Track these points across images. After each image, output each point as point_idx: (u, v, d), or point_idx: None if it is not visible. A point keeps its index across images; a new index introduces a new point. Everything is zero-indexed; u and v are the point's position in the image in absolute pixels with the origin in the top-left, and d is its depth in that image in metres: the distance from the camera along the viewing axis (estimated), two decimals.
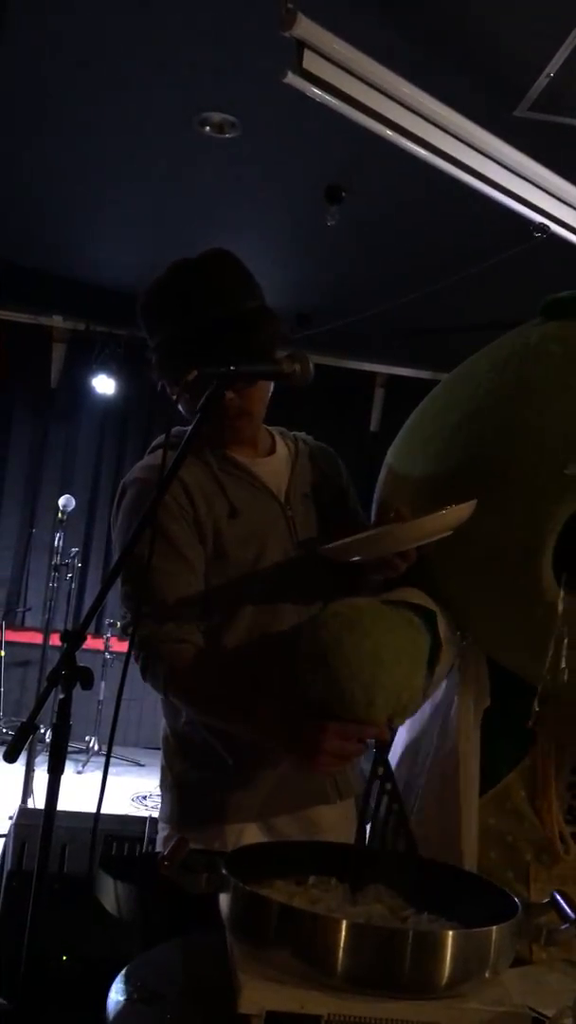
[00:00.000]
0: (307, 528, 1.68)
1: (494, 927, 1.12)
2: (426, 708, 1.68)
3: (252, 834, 1.58)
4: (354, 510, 1.81)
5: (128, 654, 1.56)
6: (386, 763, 1.43)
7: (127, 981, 1.18)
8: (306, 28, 2.62)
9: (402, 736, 1.77)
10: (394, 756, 1.74)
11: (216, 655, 1.58)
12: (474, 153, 3.21)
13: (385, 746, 1.43)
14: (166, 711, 1.70)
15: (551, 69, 3.16)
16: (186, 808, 1.64)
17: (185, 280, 1.65)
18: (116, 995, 1.15)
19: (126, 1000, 1.14)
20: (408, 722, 1.69)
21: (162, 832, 1.68)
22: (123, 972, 1.20)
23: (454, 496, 1.47)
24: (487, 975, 1.12)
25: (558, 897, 1.23)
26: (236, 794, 1.60)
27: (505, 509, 1.46)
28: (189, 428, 1.65)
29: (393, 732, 1.47)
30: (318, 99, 2.84)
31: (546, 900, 1.25)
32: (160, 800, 1.73)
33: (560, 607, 1.46)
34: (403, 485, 1.68)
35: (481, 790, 1.58)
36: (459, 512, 1.43)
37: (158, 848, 1.66)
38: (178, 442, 1.57)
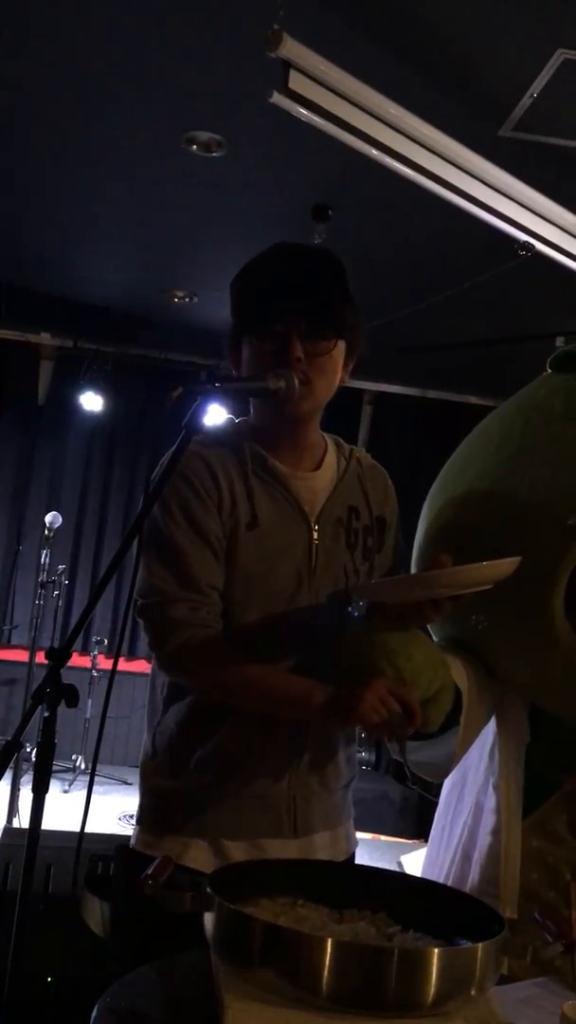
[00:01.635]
0: (329, 556, 1.61)
1: (480, 944, 1.12)
2: (473, 751, 1.79)
3: (197, 850, 1.55)
4: (394, 543, 1.73)
5: (113, 672, 1.55)
6: None
7: (110, 1002, 1.17)
8: (292, 48, 2.64)
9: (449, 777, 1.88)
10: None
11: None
12: (459, 172, 3.23)
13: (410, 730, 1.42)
14: (149, 711, 1.66)
15: (535, 89, 3.19)
16: (144, 812, 1.62)
17: (286, 253, 1.62)
18: (99, 1017, 1.14)
19: (109, 1021, 1.13)
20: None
21: (134, 833, 1.65)
22: (106, 993, 1.19)
23: (472, 550, 1.52)
24: (473, 993, 1.12)
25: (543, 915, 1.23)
26: (189, 808, 1.57)
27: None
28: (239, 418, 1.69)
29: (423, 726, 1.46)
30: (304, 119, 2.86)
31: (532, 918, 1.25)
32: None
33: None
34: (430, 536, 1.79)
35: (524, 814, 1.69)
36: (502, 567, 1.43)
37: (132, 843, 1.63)
38: (216, 430, 1.63)
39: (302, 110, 2.81)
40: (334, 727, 1.52)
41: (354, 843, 1.74)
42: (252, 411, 1.66)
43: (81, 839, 1.37)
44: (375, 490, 1.71)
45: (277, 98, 2.76)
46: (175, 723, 1.59)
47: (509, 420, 1.81)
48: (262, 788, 1.57)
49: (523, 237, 3.54)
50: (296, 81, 2.72)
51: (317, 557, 1.59)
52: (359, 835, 1.79)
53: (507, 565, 1.43)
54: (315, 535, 1.60)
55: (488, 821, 1.73)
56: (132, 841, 1.63)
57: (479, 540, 1.62)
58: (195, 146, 3.86)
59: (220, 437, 1.62)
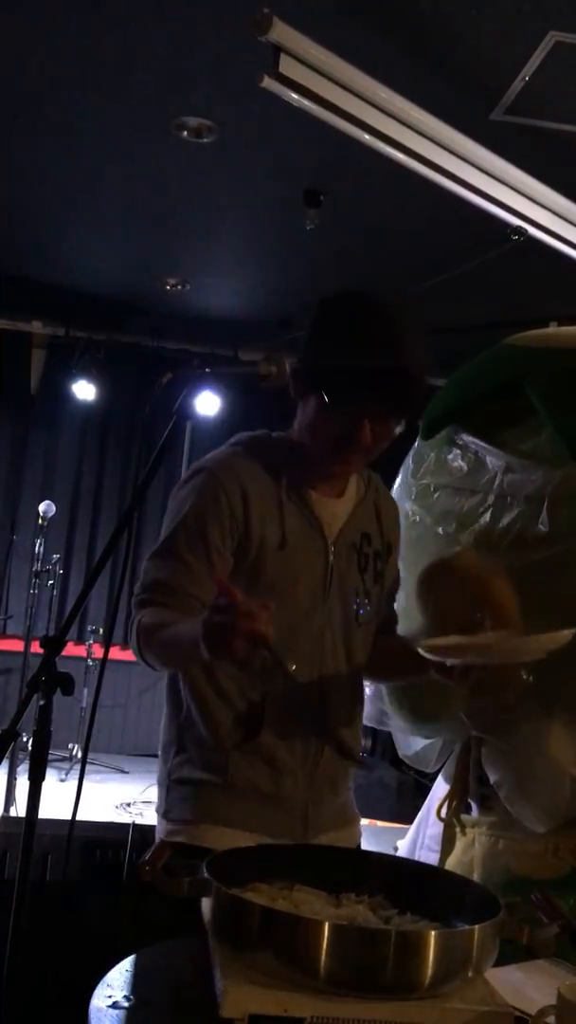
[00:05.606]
0: (342, 577, 1.68)
1: (476, 927, 1.13)
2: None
3: (235, 838, 1.57)
4: (391, 569, 1.82)
5: (104, 660, 1.58)
6: None
7: (109, 987, 1.18)
8: (282, 32, 2.62)
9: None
10: None
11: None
12: (451, 156, 3.22)
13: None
14: (169, 704, 1.72)
15: (526, 73, 3.18)
16: (174, 803, 1.66)
17: (374, 316, 1.63)
18: (98, 1002, 1.14)
19: (108, 1007, 1.13)
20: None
21: (159, 827, 1.69)
22: (105, 978, 1.19)
23: None
24: (470, 975, 1.13)
25: (539, 897, 1.24)
26: (224, 797, 1.62)
27: None
28: (267, 432, 1.74)
29: None
30: (295, 103, 2.84)
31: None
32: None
33: None
34: None
35: None
36: (559, 638, 1.49)
37: (166, 837, 1.67)
38: (257, 444, 1.68)
39: (293, 95, 2.79)
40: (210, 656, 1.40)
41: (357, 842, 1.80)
42: (301, 434, 1.65)
43: (72, 825, 1.37)
44: (387, 517, 1.80)
45: (268, 83, 2.74)
46: (203, 721, 1.63)
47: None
48: (281, 792, 1.63)
49: (515, 221, 3.53)
50: (287, 65, 2.70)
51: (332, 578, 1.67)
52: None
53: (563, 637, 1.49)
54: (331, 557, 1.67)
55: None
56: (165, 835, 1.65)
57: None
58: (186, 132, 3.84)
59: (260, 450, 1.66)
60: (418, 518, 2.07)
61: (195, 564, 1.56)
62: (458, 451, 2.10)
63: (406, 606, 1.93)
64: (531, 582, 1.78)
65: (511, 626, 1.59)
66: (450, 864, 1.90)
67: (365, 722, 1.97)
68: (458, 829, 1.95)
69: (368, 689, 1.86)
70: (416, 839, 2.08)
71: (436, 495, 2.07)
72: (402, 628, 1.89)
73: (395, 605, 1.91)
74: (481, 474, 2.02)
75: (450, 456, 2.12)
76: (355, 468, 1.69)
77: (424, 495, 2.11)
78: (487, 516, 1.95)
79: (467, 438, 2.10)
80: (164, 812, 1.68)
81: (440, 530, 2.03)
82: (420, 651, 1.57)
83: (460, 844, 1.93)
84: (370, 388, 1.53)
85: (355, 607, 1.70)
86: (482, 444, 2.04)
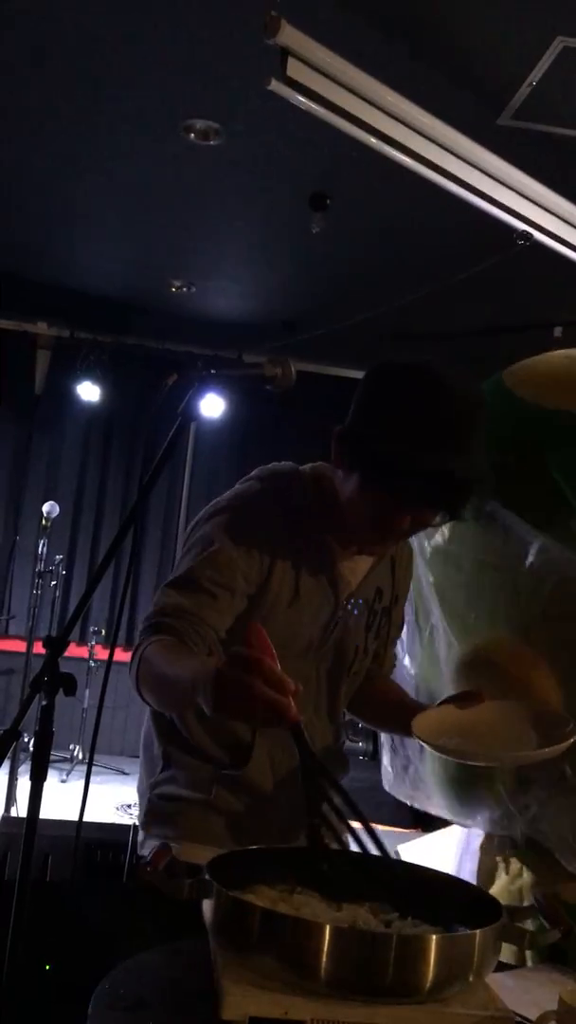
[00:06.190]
0: (345, 630, 1.65)
1: (478, 931, 1.12)
2: None
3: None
4: (396, 619, 1.79)
5: (109, 661, 1.57)
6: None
7: (109, 989, 1.17)
8: (290, 35, 2.63)
9: None
10: None
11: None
12: (457, 161, 3.22)
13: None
14: (156, 720, 1.70)
15: (533, 78, 3.18)
16: (155, 817, 1.64)
17: (439, 411, 1.44)
18: (98, 1003, 1.14)
19: (108, 1008, 1.13)
20: None
21: (140, 836, 1.68)
22: (105, 980, 1.19)
23: None
24: (471, 979, 1.12)
25: (541, 901, 1.23)
26: (207, 816, 1.60)
27: None
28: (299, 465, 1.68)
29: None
30: (302, 106, 2.84)
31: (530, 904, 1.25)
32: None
33: None
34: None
35: None
36: (562, 747, 1.56)
37: (140, 851, 1.65)
38: (282, 484, 1.62)
39: (300, 97, 2.79)
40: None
41: None
42: (339, 491, 1.57)
43: (80, 827, 1.37)
44: (401, 568, 1.76)
45: (275, 85, 2.74)
46: (192, 746, 1.62)
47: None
48: (262, 820, 1.61)
49: (521, 226, 3.53)
50: (294, 68, 2.71)
51: (333, 630, 1.64)
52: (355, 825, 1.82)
53: (566, 745, 1.56)
54: (339, 612, 1.64)
55: None
56: (143, 847, 1.63)
57: None
58: (192, 134, 3.85)
59: (285, 492, 1.61)
60: (432, 580, 1.94)
61: (220, 596, 1.51)
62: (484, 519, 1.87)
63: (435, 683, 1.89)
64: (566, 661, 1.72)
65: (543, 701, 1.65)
66: (497, 892, 1.86)
67: (390, 792, 1.95)
68: (501, 862, 1.93)
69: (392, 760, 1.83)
70: (456, 871, 2.04)
71: (457, 563, 1.93)
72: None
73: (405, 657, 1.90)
74: (509, 547, 1.83)
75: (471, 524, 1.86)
76: (385, 550, 1.65)
77: (441, 559, 1.95)
78: (516, 593, 1.81)
79: (496, 507, 1.86)
80: (143, 824, 1.65)
81: (462, 599, 1.90)
82: (417, 739, 1.58)
83: (509, 873, 1.91)
84: (421, 489, 1.44)
85: (351, 658, 1.68)
86: (514, 519, 1.84)
